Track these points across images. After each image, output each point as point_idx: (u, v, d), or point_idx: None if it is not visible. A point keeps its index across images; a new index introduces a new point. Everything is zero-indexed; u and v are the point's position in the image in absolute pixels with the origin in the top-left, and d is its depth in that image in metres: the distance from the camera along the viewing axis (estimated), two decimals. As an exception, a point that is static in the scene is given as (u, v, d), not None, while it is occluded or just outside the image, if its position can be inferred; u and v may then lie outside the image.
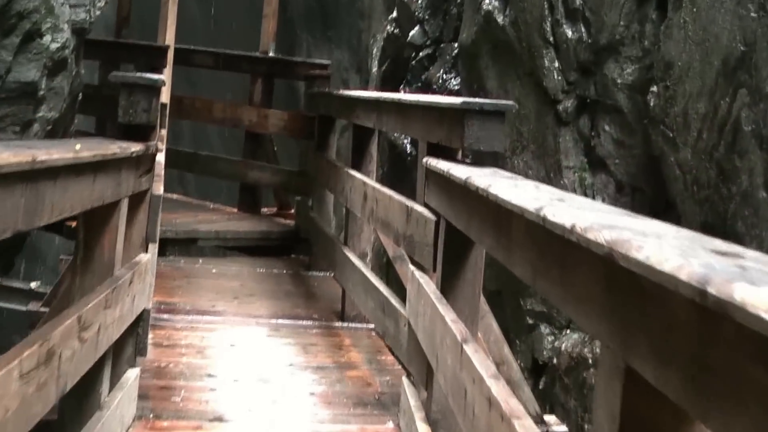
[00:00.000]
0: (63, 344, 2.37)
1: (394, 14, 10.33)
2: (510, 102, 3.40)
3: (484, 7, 6.12)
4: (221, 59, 8.23)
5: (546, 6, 5.71)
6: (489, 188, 2.54)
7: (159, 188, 3.97)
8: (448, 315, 3.04)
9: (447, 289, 3.32)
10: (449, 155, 3.83)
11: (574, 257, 1.69)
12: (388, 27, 10.43)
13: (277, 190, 8.30)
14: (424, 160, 3.90)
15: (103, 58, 8.08)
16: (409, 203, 4.06)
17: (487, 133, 3.39)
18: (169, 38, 7.16)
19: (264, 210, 8.48)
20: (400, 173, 6.99)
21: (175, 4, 7.18)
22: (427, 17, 7.46)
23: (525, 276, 2.15)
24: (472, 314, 3.30)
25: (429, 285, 3.46)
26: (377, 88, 10.84)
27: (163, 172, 4.48)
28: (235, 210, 8.36)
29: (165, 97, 7.16)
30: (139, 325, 3.71)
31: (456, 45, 6.89)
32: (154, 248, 3.98)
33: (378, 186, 4.77)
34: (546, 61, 5.71)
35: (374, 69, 12.25)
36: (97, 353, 2.86)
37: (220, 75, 12.46)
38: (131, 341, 3.65)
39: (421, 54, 7.43)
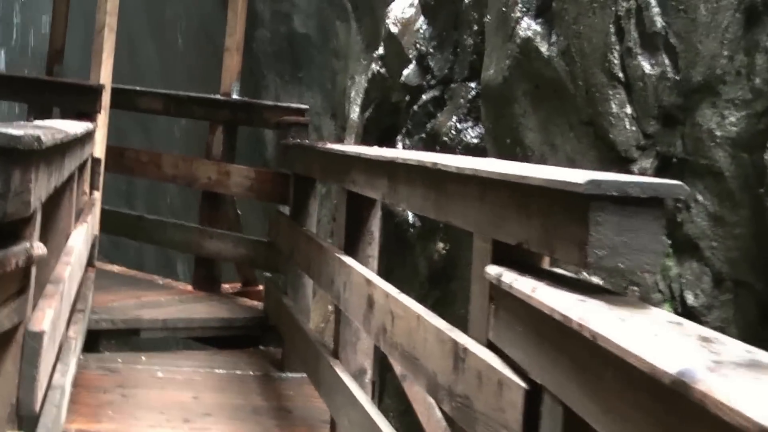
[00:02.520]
0: None
1: (380, 51, 8.84)
2: (678, 183, 1.85)
3: (521, 32, 4.60)
4: (172, 102, 6.65)
5: (612, 29, 4.22)
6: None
7: (39, 322, 2.35)
8: None
9: None
10: (533, 263, 2.31)
11: None
12: (373, 66, 8.93)
13: (240, 264, 6.70)
14: (488, 269, 2.37)
15: (29, 99, 6.46)
16: (458, 336, 2.51)
17: (632, 239, 1.85)
18: (105, 76, 5.59)
19: (225, 287, 6.87)
20: (396, 254, 5.44)
21: (112, 32, 5.62)
22: (431, 50, 5.94)
23: None
24: None
25: None
26: (359, 140, 9.32)
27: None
28: (190, 288, 6.74)
29: (99, 149, 5.58)
30: None
31: (473, 85, 5.36)
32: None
33: (393, 290, 3.19)
34: (613, 106, 4.21)
35: (353, 115, 10.72)
36: None
37: (186, 122, 10.81)
38: None
39: (424, 97, 5.88)
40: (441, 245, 5.28)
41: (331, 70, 11.27)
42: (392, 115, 8.80)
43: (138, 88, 6.93)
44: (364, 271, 3.68)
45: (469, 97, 5.36)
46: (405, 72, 6.97)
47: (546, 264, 2.43)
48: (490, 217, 2.45)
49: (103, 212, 6.78)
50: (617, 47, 4.22)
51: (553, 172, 2.16)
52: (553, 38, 4.53)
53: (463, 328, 2.61)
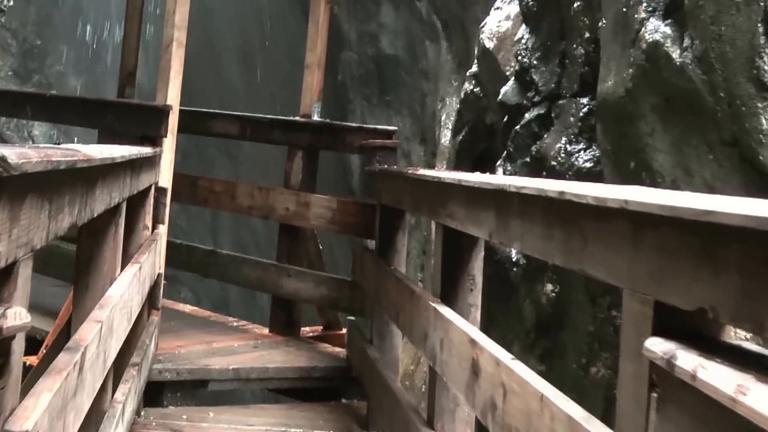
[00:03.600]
0: None
1: (474, 69, 8.16)
2: None
3: (646, 36, 3.87)
4: (248, 126, 6.05)
5: (761, 29, 3.47)
6: None
7: None
8: None
9: None
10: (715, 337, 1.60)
11: None
12: (466, 85, 8.26)
13: (322, 305, 6.05)
14: (649, 344, 1.66)
15: (95, 123, 5.93)
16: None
17: None
18: (172, 96, 5.03)
19: (305, 330, 6.23)
20: (497, 297, 4.71)
21: (181, 48, 5.06)
22: (534, 63, 5.22)
23: None
24: None
25: None
26: (451, 166, 8.65)
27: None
28: (266, 331, 6.11)
29: (165, 178, 5.01)
30: None
31: (585, 101, 4.62)
32: None
33: (505, 356, 2.48)
34: (763, 121, 3.47)
35: (444, 139, 10.04)
36: None
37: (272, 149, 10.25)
38: None
39: (527, 116, 5.16)
40: (549, 287, 4.55)
41: (421, 93, 10.62)
42: (488, 139, 8.10)
43: (211, 111, 6.37)
44: (467, 327, 2.98)
45: (581, 114, 4.63)
46: (503, 90, 6.27)
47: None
48: (649, 269, 1.74)
49: (171, 246, 6.23)
50: (767, 50, 3.46)
51: (755, 205, 1.44)
52: (687, 42, 3.78)
53: (587, 398, 1.90)
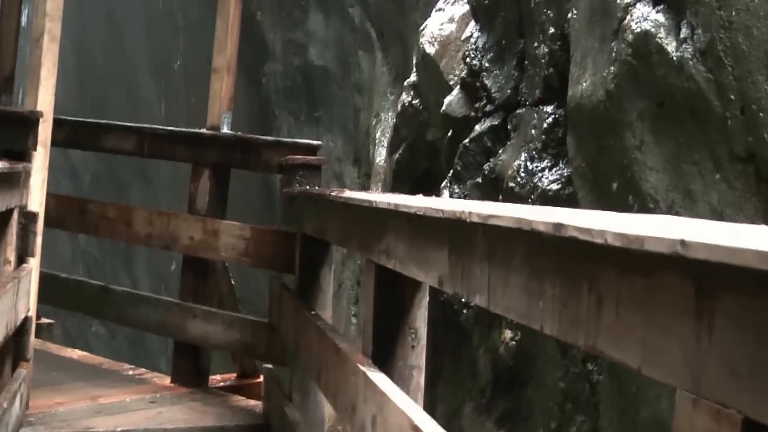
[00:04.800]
0: None
1: (413, 78, 7.34)
2: None
3: (633, 25, 3.06)
4: (146, 140, 5.11)
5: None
6: None
7: None
8: None
9: None
10: None
11: None
12: (403, 97, 7.44)
13: (234, 351, 5.14)
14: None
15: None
16: None
17: None
18: (44, 101, 4.11)
19: (215, 379, 5.30)
20: (445, 346, 3.84)
21: (54, 42, 4.15)
22: (486, 66, 4.39)
23: None
24: None
25: None
26: (387, 188, 7.80)
27: None
28: (168, 381, 5.17)
29: (36, 201, 4.08)
30: None
31: (549, 109, 3.80)
32: None
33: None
34: (791, 131, 2.68)
35: (380, 159, 9.20)
36: None
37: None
38: None
39: (478, 128, 4.32)
40: (509, 334, 3.70)
41: (354, 108, 9.78)
42: (429, 157, 7.28)
43: (102, 122, 5.42)
44: (408, 405, 2.12)
45: (544, 125, 3.80)
46: (447, 100, 5.46)
47: None
48: (734, 364, 0.89)
49: (53, 282, 5.28)
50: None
51: None
52: (685, 31, 2.99)
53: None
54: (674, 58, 2.95)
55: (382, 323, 2.54)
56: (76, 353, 5.68)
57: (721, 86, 2.87)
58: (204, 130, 5.01)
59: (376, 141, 9.65)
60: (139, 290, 12.81)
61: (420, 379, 2.66)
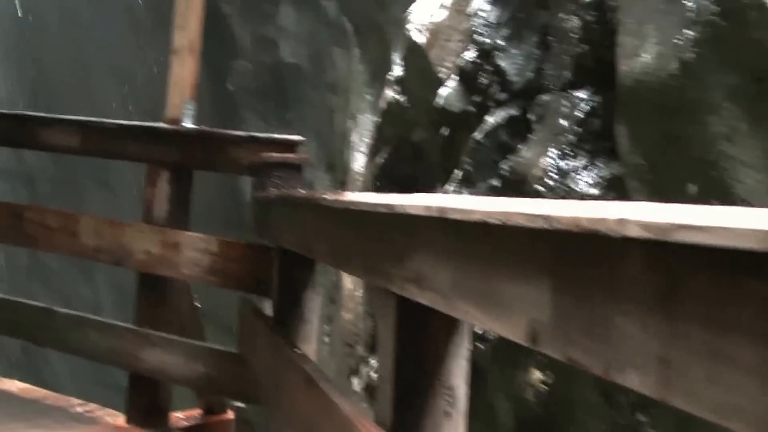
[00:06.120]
0: None
1: (398, 72, 6.62)
2: None
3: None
4: (92, 135, 4.32)
5: None
6: None
7: None
8: None
9: None
10: None
11: None
12: (387, 93, 6.71)
13: (198, 387, 4.37)
14: None
15: None
16: None
17: None
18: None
19: (177, 417, 4.53)
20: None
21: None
22: (501, 44, 3.66)
23: None
24: None
25: None
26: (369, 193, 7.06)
27: None
28: (122, 420, 4.40)
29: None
30: None
31: (583, 95, 3.08)
32: None
33: None
34: None
35: (357, 165, 8.46)
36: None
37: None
38: None
39: (491, 120, 3.60)
40: (539, 375, 2.97)
41: (328, 109, 9.04)
42: (414, 160, 6.55)
43: (39, 115, 4.62)
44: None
45: (578, 114, 3.09)
46: (443, 92, 4.74)
47: None
48: None
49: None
50: None
51: None
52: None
53: None
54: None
55: (406, 380, 1.80)
56: (16, 385, 4.88)
57: None
58: (161, 124, 4.24)
59: (352, 145, 8.92)
60: (102, 306, 12.01)
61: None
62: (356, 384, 7.59)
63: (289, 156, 3.68)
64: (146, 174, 4.25)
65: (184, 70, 4.10)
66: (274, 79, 9.31)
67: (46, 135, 4.47)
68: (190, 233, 4.15)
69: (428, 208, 1.49)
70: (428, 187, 6.42)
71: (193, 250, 4.06)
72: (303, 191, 3.24)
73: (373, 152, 6.93)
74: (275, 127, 9.76)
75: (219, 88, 9.59)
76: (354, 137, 8.94)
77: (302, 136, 11.15)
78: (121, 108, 11.08)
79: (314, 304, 3.29)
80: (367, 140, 8.56)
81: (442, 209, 1.43)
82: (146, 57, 10.57)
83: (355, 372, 6.42)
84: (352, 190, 8.79)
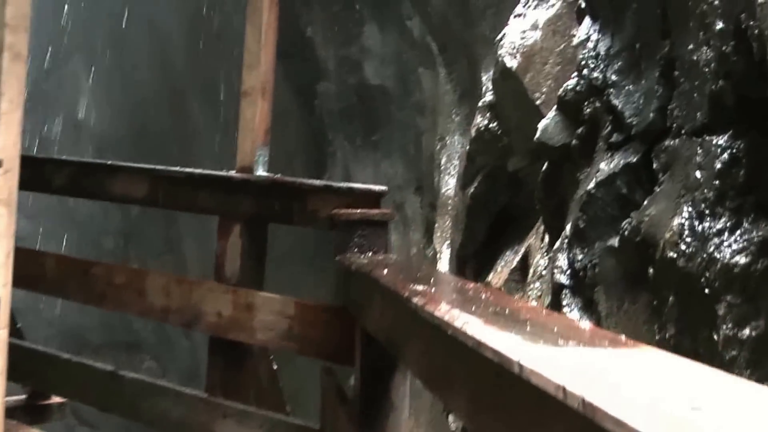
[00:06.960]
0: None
1: (489, 97, 6.14)
2: None
3: None
4: (162, 185, 3.94)
5: None
6: None
7: None
8: None
9: None
10: None
11: None
12: (478, 120, 6.25)
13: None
14: None
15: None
16: None
17: None
18: (6, 145, 3.03)
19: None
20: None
21: (19, 61, 3.05)
22: (613, 78, 3.16)
23: None
24: None
25: None
26: (461, 225, 6.62)
27: None
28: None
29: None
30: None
31: (723, 141, 2.56)
32: None
33: None
34: None
35: (446, 188, 8.00)
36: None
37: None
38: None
39: (606, 168, 3.09)
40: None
41: (415, 131, 8.61)
42: (510, 190, 6.05)
43: (104, 162, 4.26)
44: None
45: (717, 164, 2.58)
46: (542, 124, 4.24)
47: None
48: None
49: (49, 362, 4.24)
50: None
51: None
52: None
53: None
54: None
55: None
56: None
57: None
58: (233, 173, 3.84)
59: (442, 167, 8.46)
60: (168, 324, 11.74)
61: None
62: (451, 422, 7.12)
63: (371, 213, 3.22)
64: (217, 227, 3.85)
65: (255, 114, 3.68)
66: (360, 100, 8.92)
67: (110, 184, 4.11)
68: (265, 294, 3.73)
69: (559, 388, 1.01)
70: (525, 218, 5.92)
71: (268, 313, 3.64)
72: (388, 264, 2.77)
73: (465, 180, 6.47)
74: (361, 149, 9.38)
75: (305, 110, 9.24)
76: (443, 159, 8.48)
77: (388, 157, 10.66)
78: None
79: (404, 389, 2.83)
80: (456, 162, 8.09)
81: (591, 407, 0.94)
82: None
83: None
84: (443, 215, 8.33)
